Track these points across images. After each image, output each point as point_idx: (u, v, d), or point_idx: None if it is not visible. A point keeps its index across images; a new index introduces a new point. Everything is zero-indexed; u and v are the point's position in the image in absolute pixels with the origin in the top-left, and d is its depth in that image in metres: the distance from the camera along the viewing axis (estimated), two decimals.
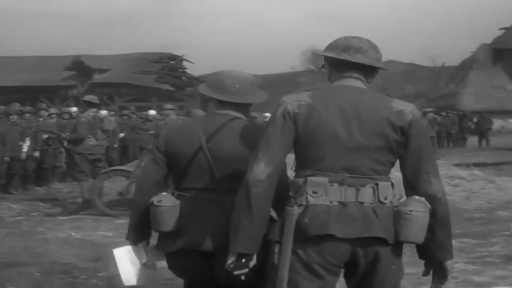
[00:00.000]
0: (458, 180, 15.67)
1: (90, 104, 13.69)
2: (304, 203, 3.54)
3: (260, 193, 3.53)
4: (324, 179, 3.54)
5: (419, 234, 3.55)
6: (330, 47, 3.82)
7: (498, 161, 22.70)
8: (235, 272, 3.65)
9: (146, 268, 4.62)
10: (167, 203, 4.15)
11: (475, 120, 37.16)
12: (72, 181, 16.37)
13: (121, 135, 22.23)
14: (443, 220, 3.72)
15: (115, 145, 21.14)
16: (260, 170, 3.55)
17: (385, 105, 3.64)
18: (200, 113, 14.34)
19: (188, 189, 4.21)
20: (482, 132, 36.12)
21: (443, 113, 35.59)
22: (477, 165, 20.55)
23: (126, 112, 25.46)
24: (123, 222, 11.66)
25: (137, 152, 22.20)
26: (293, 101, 3.64)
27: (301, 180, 3.59)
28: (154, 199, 4.13)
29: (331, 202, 3.52)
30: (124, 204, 12.77)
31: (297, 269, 3.52)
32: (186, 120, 4.63)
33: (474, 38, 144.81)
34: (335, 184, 3.53)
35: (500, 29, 63.25)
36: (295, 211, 3.52)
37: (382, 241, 3.50)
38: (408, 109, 3.64)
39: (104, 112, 16.01)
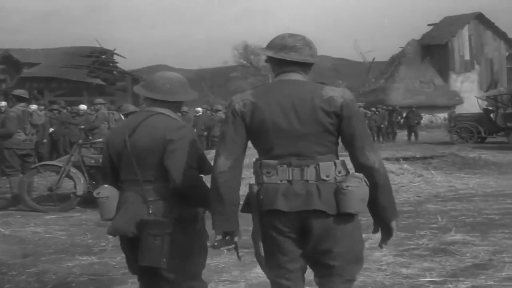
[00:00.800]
0: (387, 174, 15.84)
1: (19, 99, 13.50)
2: (260, 181, 4.17)
3: (224, 182, 4.10)
4: (275, 161, 4.11)
5: (356, 205, 4.10)
6: (269, 46, 4.31)
7: (426, 155, 23.00)
8: (222, 248, 4.37)
9: None
10: (103, 194, 4.64)
11: (404, 114, 37.60)
12: (1, 176, 16.11)
13: (51, 129, 21.98)
14: (383, 187, 4.25)
15: (45, 140, 20.89)
16: (222, 163, 4.11)
17: (316, 94, 4.10)
18: (131, 107, 14.28)
19: (122, 181, 4.64)
20: (411, 126, 36.55)
21: (373, 108, 35.94)
22: (406, 159, 20.80)
23: (55, 106, 25.11)
24: (53, 217, 11.59)
25: (67, 146, 21.98)
26: (239, 101, 4.23)
27: (258, 163, 4.21)
28: (95, 191, 4.67)
29: (280, 181, 4.10)
30: (54, 199, 12.65)
31: (264, 234, 4.22)
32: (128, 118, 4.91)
33: (403, 34, 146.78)
34: (284, 166, 4.09)
35: (429, 25, 64.24)
36: (255, 188, 4.19)
37: (324, 213, 4.04)
38: (338, 94, 4.12)
39: (33, 107, 15.80)
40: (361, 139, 4.14)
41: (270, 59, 4.34)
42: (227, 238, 4.25)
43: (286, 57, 4.21)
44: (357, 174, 4.12)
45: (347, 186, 4.04)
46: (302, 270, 4.33)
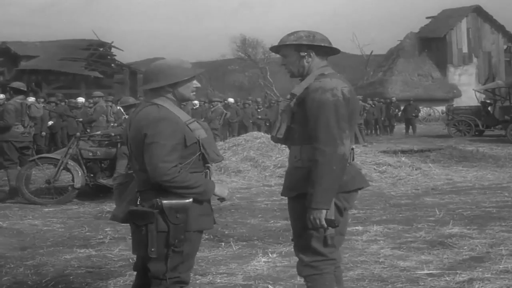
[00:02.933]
0: (385, 167, 15.86)
1: (17, 91, 13.47)
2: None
3: (345, 165, 4.45)
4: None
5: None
6: (319, 40, 4.62)
7: (424, 148, 23.04)
8: (325, 228, 4.44)
9: None
10: (118, 181, 4.87)
11: (402, 107, 37.58)
12: None
13: (50, 122, 21.96)
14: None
15: (43, 133, 20.89)
16: (348, 146, 4.42)
17: None
18: (131, 100, 14.26)
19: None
20: (409, 119, 36.56)
21: (370, 101, 35.91)
22: (403, 152, 20.87)
23: (53, 99, 25.08)
24: (51, 210, 11.58)
25: (65, 139, 21.98)
26: (343, 86, 4.48)
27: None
28: (112, 178, 4.88)
29: (349, 163, 4.58)
30: (51, 192, 12.65)
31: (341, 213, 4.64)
32: None
33: (401, 27, 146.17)
34: (352, 150, 4.64)
35: (427, 18, 64.12)
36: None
37: None
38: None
39: (31, 99, 15.78)
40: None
41: (316, 53, 4.63)
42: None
43: (338, 49, 4.74)
44: None
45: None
46: None
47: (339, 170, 4.36)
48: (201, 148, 4.54)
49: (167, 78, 4.57)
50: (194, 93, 4.73)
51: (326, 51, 4.67)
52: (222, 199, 4.75)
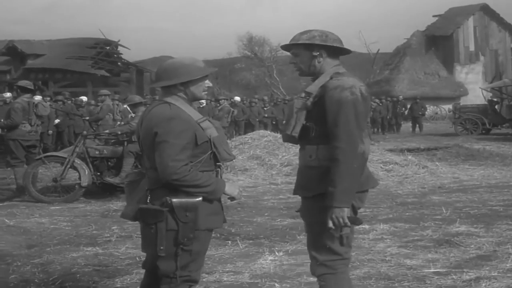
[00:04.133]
0: (392, 165, 15.86)
1: (24, 90, 13.48)
2: None
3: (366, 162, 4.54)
4: None
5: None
6: (331, 40, 4.61)
7: (431, 146, 23.03)
8: (349, 226, 4.45)
9: None
10: (129, 178, 4.89)
11: (408, 106, 37.53)
12: (6, 168, 16.13)
13: (57, 121, 22.00)
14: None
15: (50, 132, 20.92)
16: (367, 144, 4.50)
17: None
18: (137, 98, 14.28)
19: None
20: (416, 118, 36.53)
21: (377, 100, 35.87)
22: (410, 150, 20.83)
23: (60, 98, 25.10)
24: (57, 208, 11.61)
25: (72, 138, 22.01)
26: (360, 85, 4.49)
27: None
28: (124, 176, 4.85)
29: None
30: (58, 190, 12.66)
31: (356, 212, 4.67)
32: None
33: (408, 25, 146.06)
34: None
35: (434, 16, 64.04)
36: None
37: None
38: None
39: (38, 98, 15.79)
40: None
41: (328, 53, 4.63)
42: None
43: (350, 49, 4.74)
44: None
45: None
46: None
47: (359, 168, 4.39)
48: (213, 147, 4.53)
49: (180, 77, 4.55)
50: (206, 92, 4.71)
51: (337, 51, 4.67)
52: (232, 198, 4.74)
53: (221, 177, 4.69)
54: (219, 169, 4.67)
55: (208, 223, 4.55)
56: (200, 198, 4.44)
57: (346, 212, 4.35)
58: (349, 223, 4.40)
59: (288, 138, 4.69)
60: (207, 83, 4.68)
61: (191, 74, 4.58)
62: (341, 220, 4.35)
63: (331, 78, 4.52)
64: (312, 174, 4.56)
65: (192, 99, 4.67)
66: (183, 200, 4.41)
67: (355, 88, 4.41)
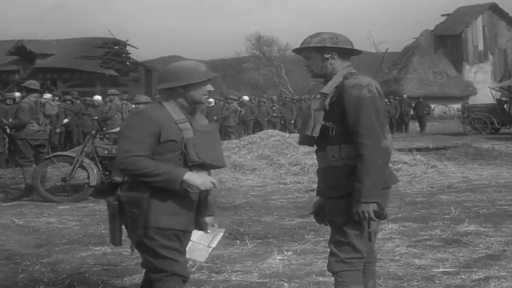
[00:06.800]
0: (400, 165, 15.82)
1: (30, 90, 13.48)
2: None
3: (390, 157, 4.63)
4: None
5: None
6: (342, 41, 4.70)
7: (439, 146, 23.00)
8: (374, 220, 4.53)
9: None
10: None
11: (413, 105, 37.44)
12: (15, 167, 16.16)
13: (65, 120, 22.04)
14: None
15: (57, 130, 20.96)
16: (390, 139, 4.54)
17: None
18: (144, 98, 14.29)
19: None
20: (421, 117, 36.57)
21: (386, 99, 35.79)
22: (419, 150, 20.80)
23: (69, 97, 25.14)
24: (66, 208, 11.62)
25: (80, 137, 22.03)
26: (377, 83, 4.63)
27: None
28: None
29: None
30: (67, 190, 12.68)
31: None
32: None
33: (416, 24, 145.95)
34: None
35: (442, 15, 63.95)
36: None
37: None
38: None
39: (48, 96, 15.80)
40: None
41: (339, 54, 4.71)
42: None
43: (359, 50, 4.86)
44: None
45: None
46: None
47: (384, 163, 4.48)
48: (183, 147, 4.52)
49: (180, 80, 4.60)
50: (206, 96, 4.72)
51: (348, 52, 4.75)
52: (197, 189, 4.55)
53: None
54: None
55: (160, 222, 4.50)
56: (147, 194, 4.46)
57: (372, 207, 4.42)
58: (374, 218, 4.46)
59: (306, 140, 4.73)
60: (209, 87, 4.75)
61: (192, 78, 4.62)
62: (366, 215, 4.41)
63: (344, 78, 4.59)
64: (338, 174, 4.60)
65: (192, 103, 4.68)
66: (130, 194, 4.49)
67: (371, 86, 4.52)
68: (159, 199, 4.48)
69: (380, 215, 4.52)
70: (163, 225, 4.50)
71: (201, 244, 5.06)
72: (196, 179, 4.47)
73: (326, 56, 4.68)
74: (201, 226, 4.83)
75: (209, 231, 4.90)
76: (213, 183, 4.57)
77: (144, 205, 4.45)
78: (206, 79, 4.68)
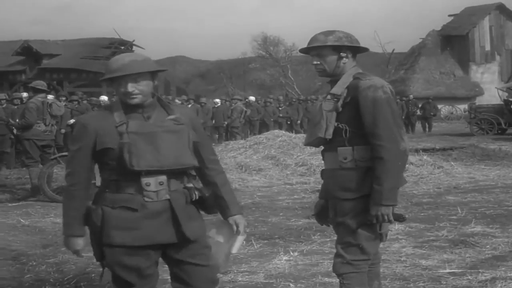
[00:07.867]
0: (407, 165, 15.79)
1: (37, 90, 13.49)
2: None
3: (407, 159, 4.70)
4: None
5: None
6: (355, 41, 4.68)
7: (446, 146, 22.95)
8: (393, 222, 4.55)
9: None
10: None
11: (420, 105, 37.36)
12: (21, 167, 16.18)
13: (72, 121, 22.04)
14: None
15: (63, 130, 20.97)
16: (407, 141, 4.53)
17: None
18: None
19: None
20: (427, 118, 36.53)
21: None
22: (425, 150, 20.77)
23: (75, 97, 25.16)
24: None
25: None
26: (388, 84, 4.60)
27: None
28: None
29: None
30: None
31: None
32: None
33: (423, 25, 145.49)
34: None
35: (449, 15, 63.83)
36: None
37: None
38: None
39: (51, 97, 15.81)
40: None
41: (353, 53, 4.70)
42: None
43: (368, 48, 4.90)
44: None
45: None
46: None
47: (403, 166, 4.50)
48: (124, 152, 3.98)
49: (105, 73, 4.15)
50: (133, 94, 4.04)
51: (359, 51, 4.75)
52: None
53: (145, 195, 4.08)
54: (146, 180, 4.05)
55: (109, 238, 4.10)
56: (93, 207, 4.24)
57: (391, 209, 4.42)
58: (393, 220, 4.46)
59: (316, 142, 4.68)
60: (131, 86, 4.02)
61: (108, 71, 4.12)
62: (386, 217, 4.40)
63: (355, 78, 4.56)
64: (350, 176, 4.55)
65: (124, 101, 4.09)
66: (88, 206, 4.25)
67: (385, 87, 4.50)
68: (114, 213, 4.09)
69: (399, 218, 4.52)
70: (111, 241, 4.09)
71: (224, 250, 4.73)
72: (71, 246, 4.46)
73: (342, 55, 4.63)
74: (227, 228, 4.54)
75: (238, 234, 4.58)
76: (76, 252, 4.45)
77: (93, 219, 4.19)
78: (121, 75, 4.02)
